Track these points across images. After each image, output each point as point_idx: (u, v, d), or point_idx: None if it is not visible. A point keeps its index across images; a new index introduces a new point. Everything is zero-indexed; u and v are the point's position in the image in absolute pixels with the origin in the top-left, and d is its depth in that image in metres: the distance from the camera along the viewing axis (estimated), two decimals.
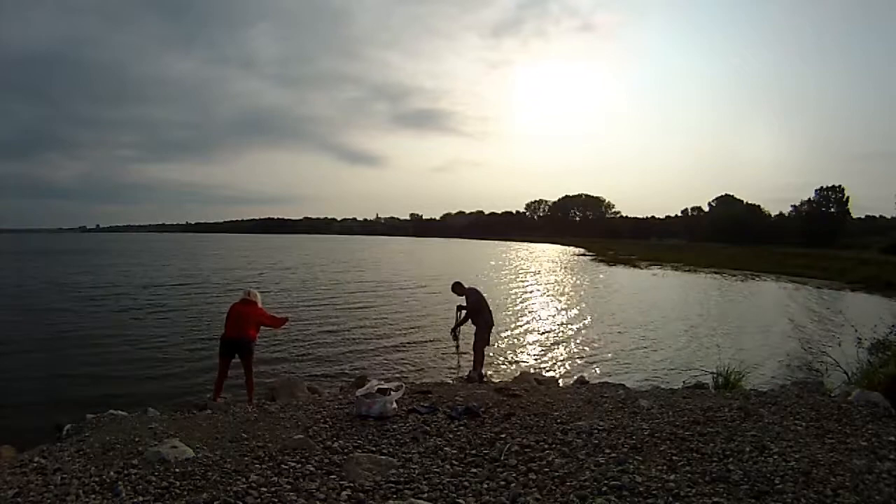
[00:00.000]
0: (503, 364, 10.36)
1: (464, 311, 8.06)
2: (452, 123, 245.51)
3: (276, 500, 2.96)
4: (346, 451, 3.76)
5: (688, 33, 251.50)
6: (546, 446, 3.78)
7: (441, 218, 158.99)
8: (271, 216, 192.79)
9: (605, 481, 3.12)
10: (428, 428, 4.25)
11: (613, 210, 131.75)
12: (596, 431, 4.03)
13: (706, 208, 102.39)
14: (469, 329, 8.13)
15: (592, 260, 51.47)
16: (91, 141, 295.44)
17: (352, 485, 3.17)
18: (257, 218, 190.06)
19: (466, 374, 8.15)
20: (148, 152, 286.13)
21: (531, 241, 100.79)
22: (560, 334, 13.84)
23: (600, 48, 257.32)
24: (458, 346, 8.28)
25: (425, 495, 3.03)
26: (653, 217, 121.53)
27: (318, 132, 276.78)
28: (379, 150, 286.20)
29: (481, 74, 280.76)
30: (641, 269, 39.94)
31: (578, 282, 29.82)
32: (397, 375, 8.85)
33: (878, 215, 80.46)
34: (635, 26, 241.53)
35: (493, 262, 43.95)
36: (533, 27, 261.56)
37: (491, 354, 9.62)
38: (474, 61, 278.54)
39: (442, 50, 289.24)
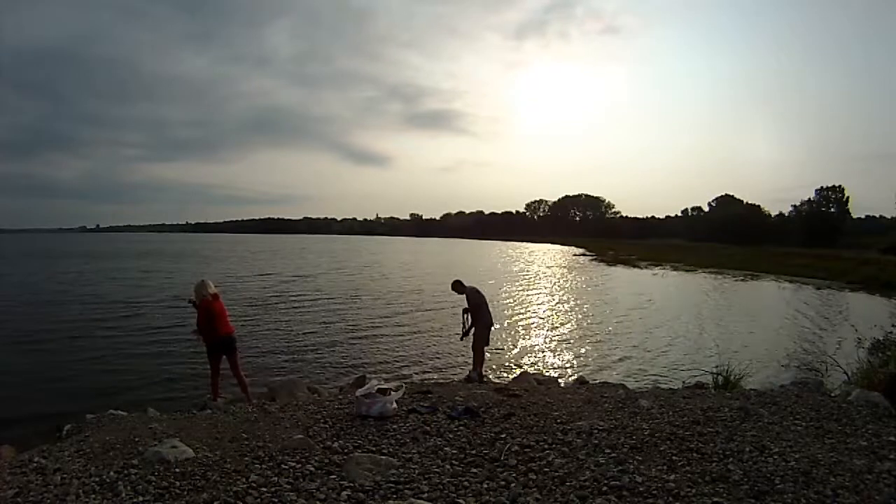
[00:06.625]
0: (503, 364, 10.35)
1: (467, 314, 8.05)
2: (463, 124, 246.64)
3: (276, 500, 2.96)
4: (346, 451, 3.75)
5: (689, 35, 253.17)
6: (546, 446, 3.78)
7: (441, 218, 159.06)
8: (271, 216, 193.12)
9: (605, 481, 3.12)
10: (428, 428, 4.25)
11: (613, 210, 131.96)
12: (596, 431, 4.02)
13: (706, 208, 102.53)
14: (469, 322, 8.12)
15: (592, 260, 51.45)
16: (95, 139, 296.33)
17: (352, 485, 3.17)
18: (258, 218, 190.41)
19: (466, 374, 8.15)
20: (153, 151, 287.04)
21: (531, 242, 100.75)
22: (560, 334, 13.84)
23: (610, 51, 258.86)
24: (463, 338, 8.21)
25: (425, 495, 3.03)
26: (653, 217, 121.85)
27: (327, 132, 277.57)
28: (386, 151, 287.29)
29: (498, 75, 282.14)
30: (641, 269, 39.93)
31: (578, 282, 29.81)
32: (397, 375, 8.86)
33: (878, 215, 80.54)
34: (643, 29, 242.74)
35: (493, 262, 43.96)
36: (556, 29, 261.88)
37: (491, 354, 9.61)
38: (494, 62, 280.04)
39: (462, 50, 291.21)
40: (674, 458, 3.50)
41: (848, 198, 76.17)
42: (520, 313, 17.11)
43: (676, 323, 15.53)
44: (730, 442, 3.77)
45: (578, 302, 20.46)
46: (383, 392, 4.70)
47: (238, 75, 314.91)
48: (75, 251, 53.74)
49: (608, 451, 3.62)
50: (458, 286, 8.18)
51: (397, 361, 10.33)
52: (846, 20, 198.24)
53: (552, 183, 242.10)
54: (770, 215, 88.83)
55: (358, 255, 52.42)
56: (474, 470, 3.42)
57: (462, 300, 8.21)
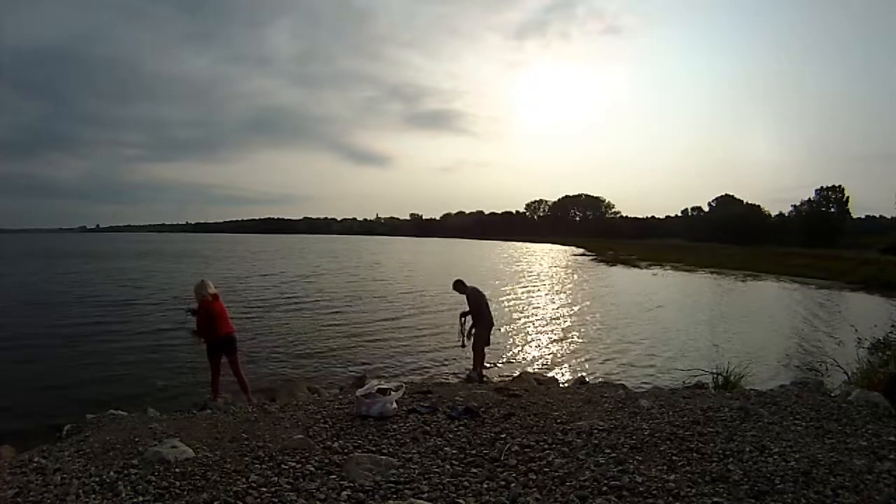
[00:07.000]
0: (503, 364, 10.35)
1: (467, 318, 8.05)
2: (464, 124, 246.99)
3: (276, 500, 2.96)
4: (346, 451, 3.75)
5: (689, 35, 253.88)
6: (546, 446, 3.78)
7: (441, 218, 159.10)
8: (271, 216, 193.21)
9: (605, 481, 3.12)
10: (428, 428, 4.25)
11: (613, 210, 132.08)
12: (596, 431, 4.02)
13: (706, 208, 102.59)
14: (469, 327, 8.12)
15: (592, 260, 51.45)
16: (95, 139, 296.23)
17: (352, 485, 3.17)
18: (258, 218, 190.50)
19: (466, 374, 8.16)
20: (152, 151, 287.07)
21: (531, 242, 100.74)
22: (560, 334, 13.83)
23: (611, 51, 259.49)
24: (464, 345, 8.23)
25: (425, 495, 3.03)
26: (653, 217, 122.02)
27: (327, 132, 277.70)
28: (386, 151, 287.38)
29: (499, 75, 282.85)
30: (641, 269, 39.93)
31: (578, 282, 29.82)
32: (397, 375, 8.85)
33: (878, 215, 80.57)
34: (644, 30, 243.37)
35: (493, 263, 43.95)
36: (557, 29, 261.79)
37: (491, 355, 9.61)
38: (494, 62, 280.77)
39: (463, 50, 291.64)
40: (674, 458, 3.50)
41: (848, 198, 76.30)
42: (520, 313, 17.10)
43: (676, 323, 15.52)
44: (730, 442, 3.77)
45: (578, 302, 20.45)
46: (383, 392, 4.70)
47: (238, 75, 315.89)
48: (75, 251, 53.71)
49: (608, 451, 3.62)
50: (459, 286, 8.20)
51: (397, 361, 10.32)
52: (846, 20, 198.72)
53: (552, 183, 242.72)
54: (770, 215, 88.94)
55: (358, 255, 52.40)
56: (474, 470, 3.42)
57: (462, 300, 8.22)
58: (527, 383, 6.92)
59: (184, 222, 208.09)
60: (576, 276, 33.20)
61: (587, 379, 8.35)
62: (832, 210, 76.84)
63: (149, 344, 11.17)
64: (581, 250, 70.38)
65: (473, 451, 3.74)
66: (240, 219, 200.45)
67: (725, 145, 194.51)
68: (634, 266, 42.22)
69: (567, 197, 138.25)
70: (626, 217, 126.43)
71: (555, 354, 11.57)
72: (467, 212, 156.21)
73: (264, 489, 3.08)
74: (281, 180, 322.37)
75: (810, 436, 3.96)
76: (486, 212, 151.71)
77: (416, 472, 3.38)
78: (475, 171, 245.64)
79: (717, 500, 2.88)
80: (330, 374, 9.19)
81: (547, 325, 15.29)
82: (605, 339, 13.15)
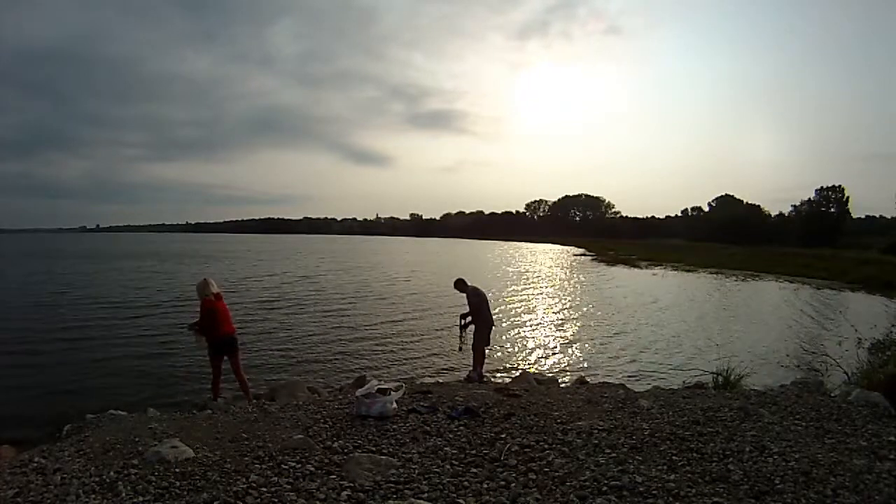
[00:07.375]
0: (503, 364, 10.35)
1: (467, 319, 8.03)
2: (465, 124, 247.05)
3: (276, 500, 2.96)
4: (346, 451, 3.75)
5: (690, 35, 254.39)
6: (546, 446, 3.78)
7: (441, 218, 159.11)
8: (271, 216, 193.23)
9: (605, 481, 3.12)
10: (428, 428, 4.25)
11: (613, 210, 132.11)
12: (596, 431, 4.02)
13: (706, 208, 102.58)
14: (469, 329, 8.12)
15: (592, 260, 51.44)
16: (96, 139, 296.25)
17: (352, 485, 3.17)
18: (258, 218, 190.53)
19: (466, 374, 8.15)
20: (153, 151, 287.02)
21: (531, 242, 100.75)
22: (560, 334, 13.84)
23: (612, 51, 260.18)
24: (461, 348, 8.23)
25: (425, 495, 3.03)
26: (653, 217, 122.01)
27: (328, 132, 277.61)
28: (387, 151, 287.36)
29: (500, 76, 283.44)
30: (641, 269, 39.92)
31: (578, 282, 29.81)
32: (397, 375, 8.85)
33: (878, 215, 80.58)
34: (645, 30, 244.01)
35: (493, 263, 43.95)
36: (559, 29, 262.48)
37: (491, 354, 9.61)
38: (496, 62, 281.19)
39: (465, 50, 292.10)
40: (674, 458, 3.50)
41: (848, 198, 76.11)
42: (520, 313, 17.11)
43: (676, 323, 15.52)
44: (730, 442, 3.77)
45: (578, 302, 20.45)
46: (383, 392, 4.70)
47: (240, 75, 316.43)
48: (75, 251, 53.73)
49: (608, 451, 3.62)
50: (460, 284, 8.19)
51: (397, 361, 10.33)
52: (846, 20, 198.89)
53: (552, 183, 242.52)
54: (770, 215, 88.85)
55: (358, 255, 52.42)
56: (474, 470, 3.42)
57: (463, 299, 8.21)
58: (527, 383, 6.92)
59: (184, 222, 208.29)
60: (576, 276, 33.19)
61: (587, 379, 8.35)
62: (832, 210, 76.72)
63: (149, 344, 11.17)
64: (581, 250, 70.38)
65: (473, 451, 3.74)
66: (240, 219, 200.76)
67: (725, 145, 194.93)
68: (635, 266, 42.20)
69: (567, 197, 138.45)
70: (626, 217, 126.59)
71: (555, 354, 11.57)
72: (467, 212, 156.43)
73: (264, 489, 3.08)
74: (281, 180, 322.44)
75: (810, 436, 3.96)
76: (487, 212, 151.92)
77: (416, 472, 3.38)
78: (475, 171, 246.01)
79: (717, 500, 2.88)
80: (330, 374, 9.20)
81: (547, 325, 15.30)
82: (605, 338, 13.15)
